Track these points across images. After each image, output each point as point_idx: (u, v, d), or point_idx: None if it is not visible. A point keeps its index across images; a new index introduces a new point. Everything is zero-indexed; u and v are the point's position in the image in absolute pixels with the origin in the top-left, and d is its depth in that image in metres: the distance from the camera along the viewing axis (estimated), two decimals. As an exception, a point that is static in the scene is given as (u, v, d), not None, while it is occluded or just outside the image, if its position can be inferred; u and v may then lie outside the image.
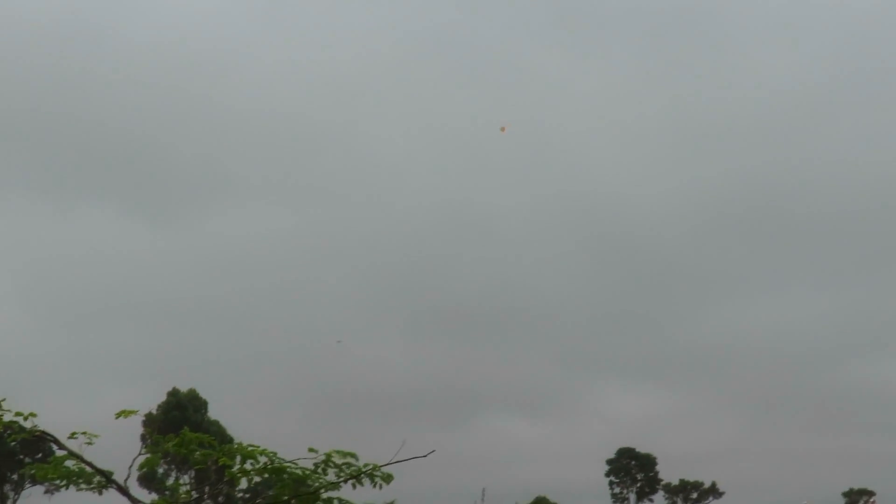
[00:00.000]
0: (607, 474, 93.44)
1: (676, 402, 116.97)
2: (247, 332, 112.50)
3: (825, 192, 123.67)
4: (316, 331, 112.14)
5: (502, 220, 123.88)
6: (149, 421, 68.28)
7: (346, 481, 12.31)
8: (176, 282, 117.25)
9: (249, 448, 12.27)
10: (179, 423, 52.23)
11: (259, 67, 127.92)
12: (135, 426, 66.83)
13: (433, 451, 12.77)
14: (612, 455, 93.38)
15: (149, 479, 68.77)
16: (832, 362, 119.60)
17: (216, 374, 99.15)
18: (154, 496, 13.96)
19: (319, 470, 12.32)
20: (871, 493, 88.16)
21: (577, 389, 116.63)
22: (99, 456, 12.94)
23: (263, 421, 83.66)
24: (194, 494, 15.13)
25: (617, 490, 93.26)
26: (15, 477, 74.22)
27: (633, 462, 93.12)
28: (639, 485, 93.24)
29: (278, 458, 12.24)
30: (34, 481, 67.35)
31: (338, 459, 12.28)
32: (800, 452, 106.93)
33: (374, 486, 12.42)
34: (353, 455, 12.28)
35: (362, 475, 12.30)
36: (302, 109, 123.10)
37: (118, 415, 12.62)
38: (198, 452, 12.80)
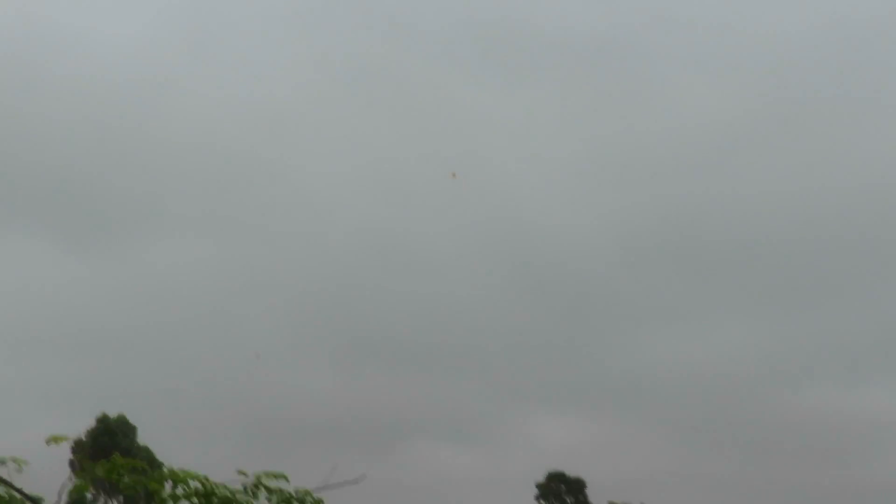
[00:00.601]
0: (537, 498, 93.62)
1: (603, 429, 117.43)
2: (176, 360, 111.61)
3: (746, 223, 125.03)
4: (245, 360, 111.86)
5: (430, 251, 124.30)
6: (78, 447, 67.81)
7: (277, 505, 12.37)
8: (104, 311, 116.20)
9: (179, 472, 12.29)
10: (109, 449, 51.92)
11: (189, 100, 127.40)
12: (64, 453, 66.36)
13: (363, 476, 12.86)
14: (541, 479, 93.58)
15: (77, 505, 68.21)
16: (757, 390, 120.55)
17: (145, 401, 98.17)
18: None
19: (249, 493, 12.35)
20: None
21: (505, 417, 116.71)
22: (28, 483, 12.91)
23: (192, 448, 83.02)
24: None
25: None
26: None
27: (562, 486, 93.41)
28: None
29: (209, 482, 12.26)
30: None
31: (268, 482, 12.32)
32: (726, 479, 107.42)
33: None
34: (284, 476, 12.34)
35: (293, 500, 12.35)
36: (232, 142, 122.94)
37: (49, 441, 12.62)
38: (127, 478, 12.79)
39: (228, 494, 12.25)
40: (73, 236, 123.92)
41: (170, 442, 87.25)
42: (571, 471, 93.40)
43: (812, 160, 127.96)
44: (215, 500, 12.27)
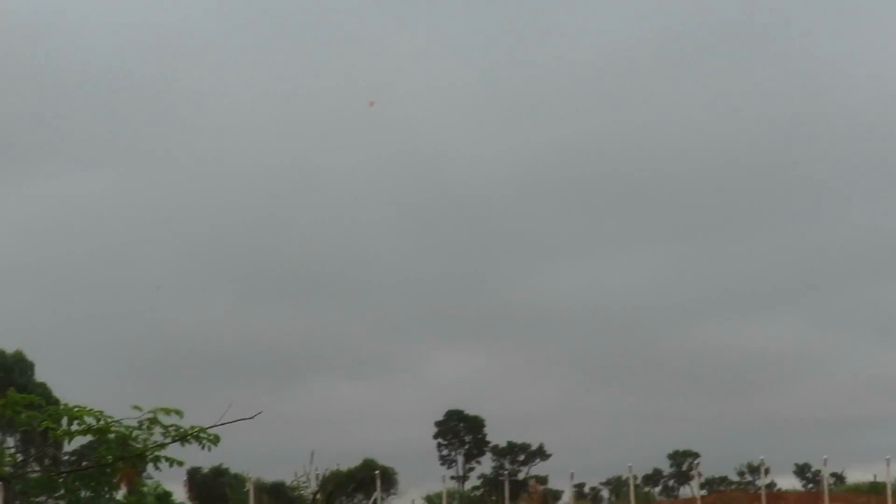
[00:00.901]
0: (435, 436, 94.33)
1: (503, 365, 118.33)
2: (72, 295, 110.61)
3: (654, 156, 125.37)
4: (142, 294, 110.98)
5: (332, 183, 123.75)
6: (-28, 383, 67.12)
7: (172, 441, 12.37)
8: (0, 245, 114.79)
9: (75, 409, 12.26)
10: (4, 386, 51.46)
11: (79, 27, 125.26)
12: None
13: (260, 412, 12.91)
14: (440, 417, 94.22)
15: (-28, 442, 67.69)
16: (657, 325, 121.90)
17: (42, 336, 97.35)
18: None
19: (144, 428, 12.35)
20: (695, 455, 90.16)
21: (403, 352, 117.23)
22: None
23: (90, 384, 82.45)
24: (20, 457, 15.06)
25: (445, 452, 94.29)
26: None
27: (461, 424, 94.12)
28: (467, 446, 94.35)
29: (105, 416, 12.24)
30: None
31: (163, 417, 12.32)
32: (626, 415, 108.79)
33: (202, 447, 12.49)
34: (178, 412, 12.35)
35: (189, 436, 12.37)
36: (126, 69, 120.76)
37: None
38: (24, 414, 12.74)
39: (124, 430, 12.25)
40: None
41: (68, 378, 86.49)
42: (469, 406, 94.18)
43: (714, 90, 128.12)
44: (110, 435, 12.28)
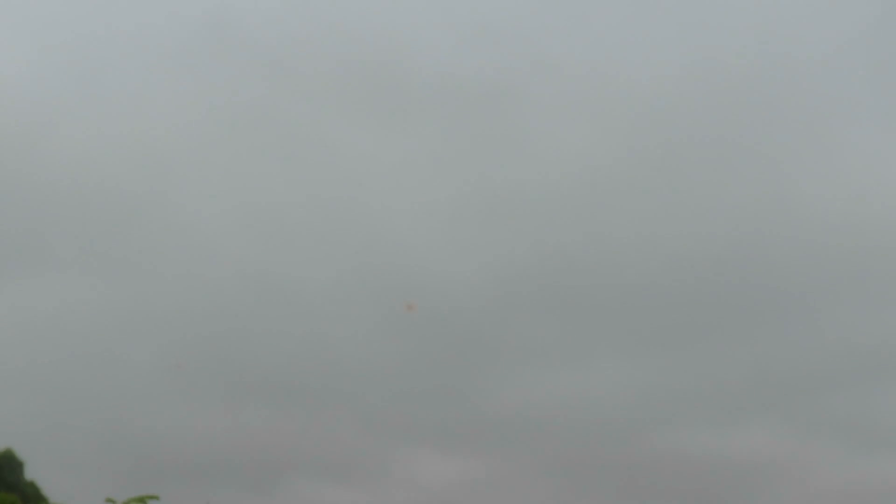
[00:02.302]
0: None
1: (487, 470, 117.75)
2: (59, 398, 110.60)
3: (625, 267, 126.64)
4: (128, 400, 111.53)
5: (309, 293, 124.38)
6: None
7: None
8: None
9: (56, 506, 12.48)
10: (-7, 485, 51.43)
11: (69, 138, 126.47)
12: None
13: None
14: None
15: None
16: (632, 430, 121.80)
17: (31, 437, 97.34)
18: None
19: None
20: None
21: (387, 458, 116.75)
22: None
23: (77, 483, 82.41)
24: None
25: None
26: None
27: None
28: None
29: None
30: None
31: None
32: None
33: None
34: (154, 497, 12.51)
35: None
36: (112, 181, 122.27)
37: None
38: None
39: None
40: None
41: (56, 478, 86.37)
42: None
43: (686, 205, 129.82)
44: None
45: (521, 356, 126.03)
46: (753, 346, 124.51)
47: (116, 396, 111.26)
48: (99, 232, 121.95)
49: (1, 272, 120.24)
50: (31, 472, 73.46)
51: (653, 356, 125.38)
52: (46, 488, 66.45)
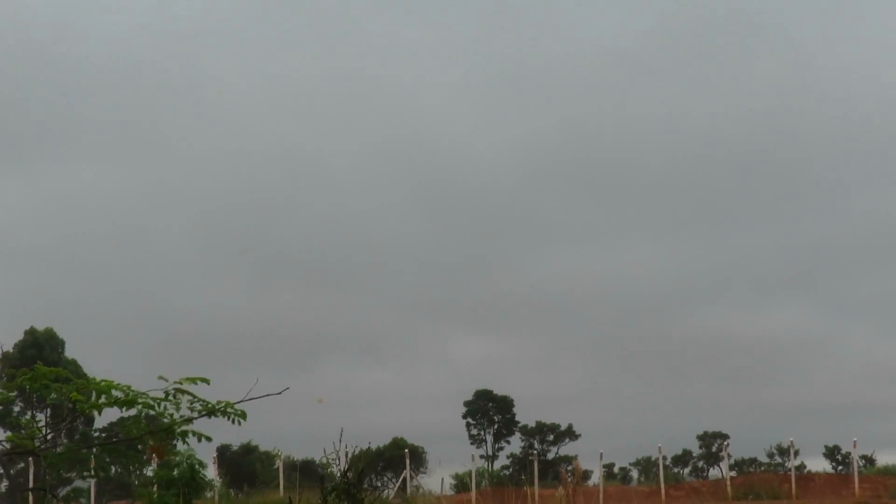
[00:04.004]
0: (464, 416, 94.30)
1: (524, 349, 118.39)
2: (97, 275, 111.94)
3: (657, 144, 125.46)
4: (160, 277, 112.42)
5: (339, 169, 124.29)
6: (5, 360, 67.57)
7: (200, 416, 12.34)
8: (21, 226, 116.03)
9: (103, 383, 12.24)
10: (36, 362, 51.75)
11: (99, 17, 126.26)
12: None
13: (287, 388, 12.87)
14: (468, 397, 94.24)
15: (3, 417, 67.97)
16: (672, 310, 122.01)
17: (71, 315, 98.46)
18: (8, 434, 13.78)
19: (171, 398, 12.29)
20: (725, 436, 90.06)
21: (420, 335, 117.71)
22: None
23: (113, 361, 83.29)
24: (49, 433, 15.03)
25: (474, 431, 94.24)
26: None
27: (490, 404, 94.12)
28: (496, 426, 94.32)
29: (132, 391, 12.21)
30: None
31: (189, 386, 12.26)
32: (652, 398, 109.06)
33: (231, 421, 12.46)
34: (205, 381, 12.30)
35: (216, 411, 12.34)
36: (143, 59, 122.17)
37: (-25, 349, 12.53)
38: (52, 388, 12.72)
39: (151, 402, 12.22)
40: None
41: (94, 356, 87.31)
42: (496, 388, 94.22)
43: (720, 81, 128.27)
44: (137, 407, 12.25)
45: (551, 234, 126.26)
46: (783, 225, 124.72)
47: (148, 273, 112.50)
48: (129, 109, 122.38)
49: (35, 151, 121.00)
50: (72, 351, 74.27)
51: (683, 235, 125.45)
52: (86, 366, 67.09)
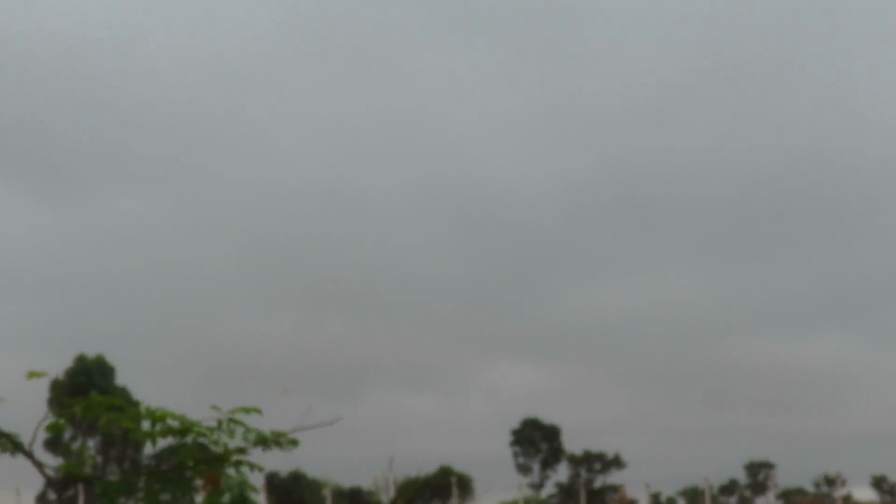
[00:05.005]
0: (511, 444, 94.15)
1: (569, 378, 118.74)
2: (145, 305, 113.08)
3: (693, 179, 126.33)
4: (209, 306, 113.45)
5: (381, 202, 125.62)
6: (55, 387, 67.97)
7: (254, 446, 12.43)
8: (73, 259, 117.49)
9: (156, 411, 12.33)
10: (86, 389, 51.99)
11: (152, 54, 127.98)
12: (41, 392, 66.73)
13: (340, 418, 12.94)
14: (515, 426, 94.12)
15: (54, 444, 68.44)
16: (710, 340, 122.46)
17: (120, 344, 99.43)
18: (60, 462, 13.85)
19: (224, 427, 12.37)
20: (771, 466, 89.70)
21: (463, 365, 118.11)
22: (4, 421, 12.99)
23: (162, 390, 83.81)
24: (100, 459, 15.15)
25: (521, 460, 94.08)
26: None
27: (537, 432, 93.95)
28: (543, 454, 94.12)
29: (186, 420, 12.30)
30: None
31: (241, 417, 12.34)
32: (699, 427, 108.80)
33: (285, 450, 12.53)
34: (257, 411, 12.40)
35: (270, 442, 12.43)
36: (193, 95, 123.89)
37: (28, 375, 12.61)
38: (105, 416, 12.80)
39: (204, 432, 12.31)
40: (41, 187, 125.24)
41: (143, 385, 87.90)
42: (543, 416, 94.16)
43: (756, 117, 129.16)
44: (191, 436, 12.33)
45: (591, 267, 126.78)
46: (822, 256, 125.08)
47: (196, 304, 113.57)
48: (177, 145, 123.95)
49: (85, 182, 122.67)
50: (122, 379, 74.73)
51: (722, 267, 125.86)
52: (135, 394, 67.47)
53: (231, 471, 12.83)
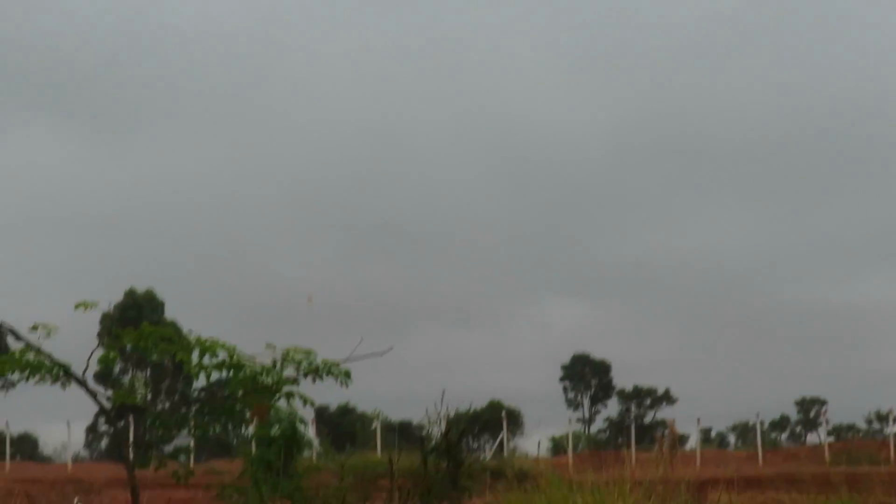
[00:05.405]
0: (561, 379, 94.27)
1: (619, 316, 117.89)
2: (194, 241, 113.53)
3: (748, 117, 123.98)
4: (255, 243, 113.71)
5: (427, 141, 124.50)
6: (106, 320, 68.43)
7: (305, 376, 12.35)
8: (121, 194, 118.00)
9: (208, 342, 12.26)
10: (136, 322, 52.25)
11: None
12: (92, 324, 67.23)
13: (391, 347, 12.83)
14: (565, 361, 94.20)
15: (105, 377, 68.94)
16: (766, 279, 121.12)
17: (170, 279, 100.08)
18: (112, 392, 13.86)
19: (278, 366, 12.32)
20: (823, 402, 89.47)
21: (511, 302, 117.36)
22: (57, 352, 12.97)
23: (213, 326, 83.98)
24: (149, 392, 15.13)
25: (571, 395, 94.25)
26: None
27: (587, 368, 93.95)
28: (593, 390, 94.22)
29: (238, 352, 12.23)
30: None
31: (296, 356, 12.28)
32: (750, 363, 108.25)
33: (338, 382, 12.45)
34: (311, 352, 12.32)
35: (321, 371, 12.34)
36: (239, 34, 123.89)
37: (77, 306, 12.56)
38: (157, 347, 12.75)
39: (257, 368, 12.24)
40: (90, 127, 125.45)
41: (191, 320, 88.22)
42: (594, 352, 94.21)
43: (807, 52, 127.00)
44: (244, 372, 12.26)
45: (638, 207, 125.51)
46: (872, 195, 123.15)
47: (244, 241, 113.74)
48: (221, 83, 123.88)
49: (135, 121, 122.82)
50: (170, 313, 75.11)
51: (771, 206, 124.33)
52: (185, 328, 67.80)
53: (282, 403, 12.76)
